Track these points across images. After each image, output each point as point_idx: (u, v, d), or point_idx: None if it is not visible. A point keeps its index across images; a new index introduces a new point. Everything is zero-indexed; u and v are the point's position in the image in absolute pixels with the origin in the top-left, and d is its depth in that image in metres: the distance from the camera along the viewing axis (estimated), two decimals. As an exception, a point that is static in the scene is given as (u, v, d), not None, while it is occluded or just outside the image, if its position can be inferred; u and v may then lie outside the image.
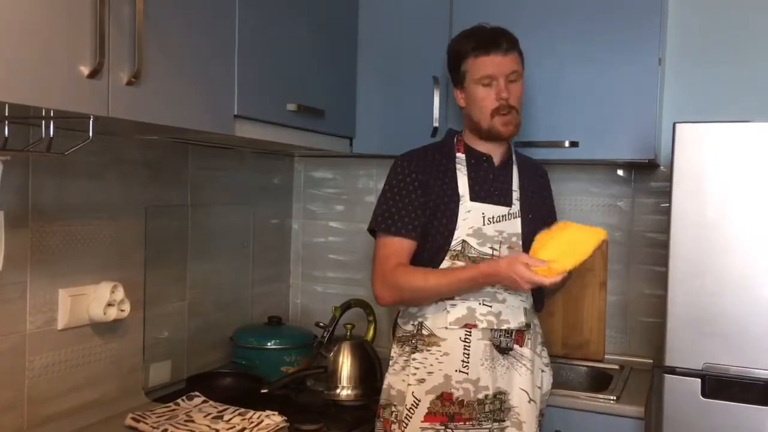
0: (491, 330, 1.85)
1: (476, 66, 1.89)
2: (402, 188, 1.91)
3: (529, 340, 1.90)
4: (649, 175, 2.53)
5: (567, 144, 2.24)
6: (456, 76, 1.96)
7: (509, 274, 1.71)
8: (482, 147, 1.95)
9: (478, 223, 1.87)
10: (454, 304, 1.85)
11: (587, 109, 2.25)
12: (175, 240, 2.29)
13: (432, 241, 1.88)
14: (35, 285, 1.79)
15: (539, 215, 1.95)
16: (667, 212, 1.90)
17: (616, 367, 2.45)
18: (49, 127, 1.52)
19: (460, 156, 1.94)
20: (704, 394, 1.85)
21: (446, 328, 1.85)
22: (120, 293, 1.97)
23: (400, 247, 1.89)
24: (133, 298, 2.03)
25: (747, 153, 1.82)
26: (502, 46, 1.88)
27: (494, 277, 1.77)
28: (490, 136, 1.92)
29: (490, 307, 1.85)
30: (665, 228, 1.93)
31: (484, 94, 1.89)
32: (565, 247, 1.72)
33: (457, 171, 1.92)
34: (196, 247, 2.37)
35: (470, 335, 1.84)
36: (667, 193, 1.94)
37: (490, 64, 1.87)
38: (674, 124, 1.89)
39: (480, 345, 1.84)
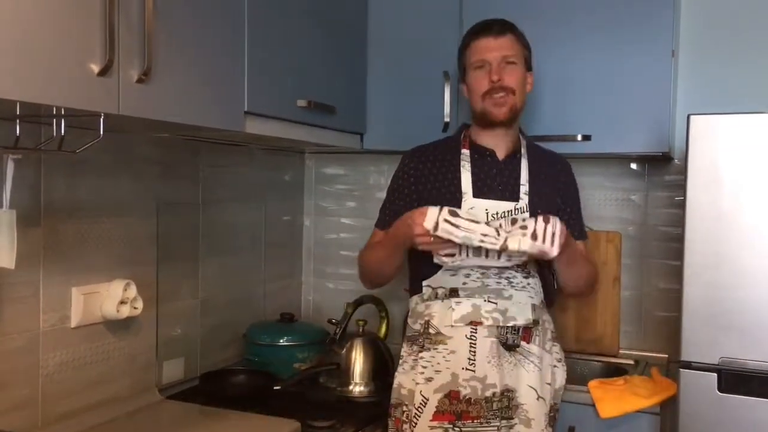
0: (497, 327, 1.84)
1: (471, 52, 1.94)
2: (398, 184, 1.99)
3: (537, 337, 1.89)
4: (663, 169, 2.51)
5: (579, 138, 2.22)
6: (461, 68, 2.00)
7: (405, 219, 1.78)
8: (486, 140, 1.94)
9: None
10: (459, 302, 1.85)
11: (600, 102, 2.23)
12: (187, 237, 2.29)
13: None
14: (48, 283, 1.79)
15: (550, 209, 1.93)
16: (682, 206, 1.88)
17: (631, 362, 2.43)
18: (60, 125, 1.52)
19: (465, 152, 1.94)
20: (720, 388, 1.83)
21: (452, 326, 1.85)
22: (133, 291, 1.97)
23: (380, 239, 2.00)
24: (145, 295, 2.03)
25: (762, 144, 1.80)
26: (493, 29, 1.91)
27: (399, 227, 1.81)
28: (484, 120, 1.93)
29: (496, 303, 1.85)
30: (680, 221, 1.91)
31: (477, 78, 1.92)
32: None
33: (461, 167, 1.92)
34: (208, 244, 2.37)
35: (476, 333, 1.83)
36: (681, 187, 1.92)
37: (482, 48, 1.91)
38: (689, 116, 1.87)
39: (486, 342, 1.83)
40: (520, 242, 1.70)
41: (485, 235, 1.70)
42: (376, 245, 1.98)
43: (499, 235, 1.71)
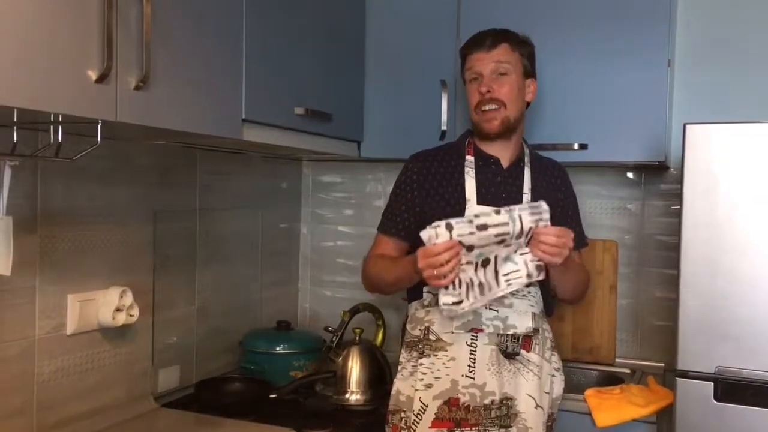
0: (498, 335, 1.84)
1: (467, 66, 1.96)
2: (400, 188, 1.98)
3: (537, 346, 1.88)
4: (659, 177, 2.51)
5: (576, 146, 2.23)
6: (463, 81, 2.01)
7: (415, 258, 1.68)
8: (490, 149, 1.95)
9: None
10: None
11: (596, 111, 2.23)
12: (183, 244, 2.29)
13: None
14: (44, 290, 1.79)
15: (553, 217, 1.92)
16: (678, 214, 1.89)
17: (627, 371, 2.43)
18: (58, 132, 1.52)
19: (469, 158, 1.94)
20: (717, 397, 1.83)
21: (452, 332, 1.84)
22: (129, 298, 1.97)
23: (386, 244, 1.98)
24: (141, 302, 2.03)
25: (758, 154, 1.80)
26: (486, 44, 1.92)
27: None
28: (480, 133, 1.94)
29: (497, 311, 1.84)
30: (676, 230, 1.91)
31: (471, 91, 1.94)
32: None
33: (466, 174, 1.91)
34: (205, 251, 2.37)
35: (476, 340, 1.83)
36: (677, 195, 1.92)
37: (475, 62, 1.92)
38: (685, 126, 1.88)
39: (486, 350, 1.83)
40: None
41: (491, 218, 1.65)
42: (385, 263, 1.92)
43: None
